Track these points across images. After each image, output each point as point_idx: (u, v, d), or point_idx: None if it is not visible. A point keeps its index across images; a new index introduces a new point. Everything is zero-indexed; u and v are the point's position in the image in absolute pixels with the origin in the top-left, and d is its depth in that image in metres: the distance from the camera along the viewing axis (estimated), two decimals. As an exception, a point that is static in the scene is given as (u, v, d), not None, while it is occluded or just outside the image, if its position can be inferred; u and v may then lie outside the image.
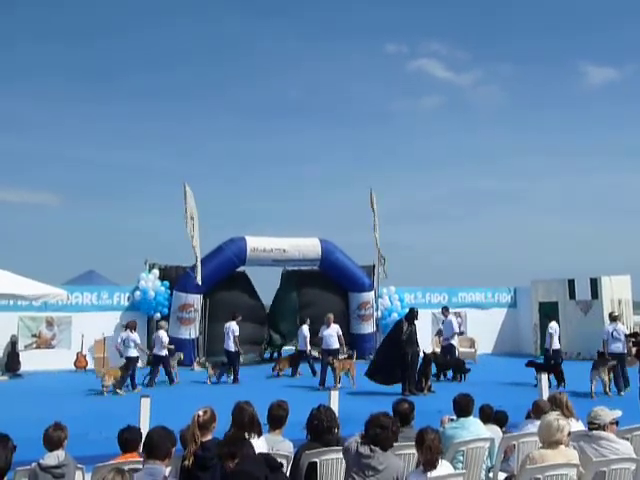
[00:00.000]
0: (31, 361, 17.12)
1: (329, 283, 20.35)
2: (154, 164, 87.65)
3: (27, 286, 9.66)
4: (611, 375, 12.85)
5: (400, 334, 13.49)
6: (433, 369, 14.46)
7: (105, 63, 73.82)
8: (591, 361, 13.67)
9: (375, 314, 20.41)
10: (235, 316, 15.99)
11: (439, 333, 17.39)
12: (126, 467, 3.92)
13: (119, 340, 14.61)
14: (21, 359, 17.13)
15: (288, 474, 4.61)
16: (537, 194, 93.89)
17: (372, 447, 4.32)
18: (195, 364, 17.78)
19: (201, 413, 4.49)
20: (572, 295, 20.56)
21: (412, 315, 13.86)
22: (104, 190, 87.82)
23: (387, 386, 13.08)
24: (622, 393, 12.75)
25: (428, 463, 4.35)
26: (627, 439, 5.17)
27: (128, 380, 14.04)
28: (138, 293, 18.52)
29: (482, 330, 21.31)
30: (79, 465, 4.68)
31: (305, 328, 16.62)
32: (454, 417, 5.76)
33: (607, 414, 5.03)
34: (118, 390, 13.59)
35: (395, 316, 19.28)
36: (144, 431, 4.88)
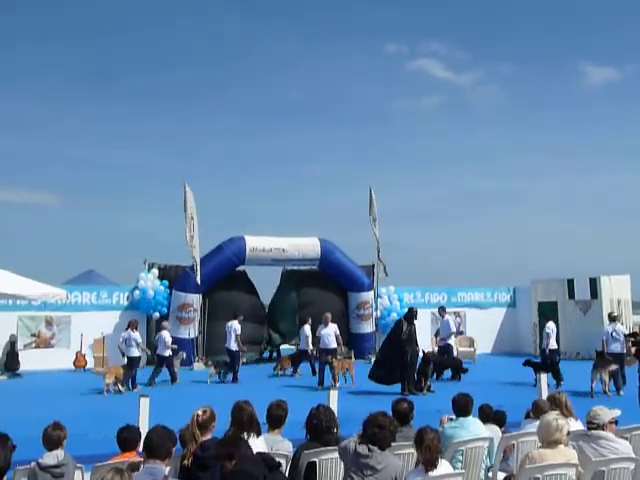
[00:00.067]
0: (30, 361, 17.13)
1: (328, 283, 20.34)
2: (154, 164, 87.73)
3: (26, 286, 9.64)
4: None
5: (400, 334, 13.51)
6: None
7: (105, 63, 73.91)
8: (590, 361, 13.68)
9: (374, 314, 20.42)
10: (237, 315, 16.03)
11: (438, 333, 17.40)
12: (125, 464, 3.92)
13: (120, 339, 14.63)
14: (20, 359, 17.13)
15: (287, 474, 4.61)
16: (537, 194, 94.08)
17: (370, 447, 4.32)
18: (195, 363, 17.80)
19: (200, 413, 4.49)
20: (571, 295, 20.56)
21: (411, 315, 13.87)
22: (104, 190, 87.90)
23: (387, 386, 13.08)
24: (621, 392, 12.77)
25: (428, 463, 4.35)
26: (626, 439, 5.16)
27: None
28: (137, 293, 18.51)
29: (481, 330, 21.34)
30: (78, 464, 4.67)
31: (307, 328, 16.65)
32: (453, 417, 5.76)
33: (606, 413, 5.03)
34: (120, 387, 13.62)
35: (394, 316, 19.28)
36: (143, 430, 4.88)
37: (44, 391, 13.78)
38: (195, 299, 18.51)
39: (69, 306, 17.77)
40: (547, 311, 18.31)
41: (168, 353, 15.00)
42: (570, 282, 20.68)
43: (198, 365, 17.78)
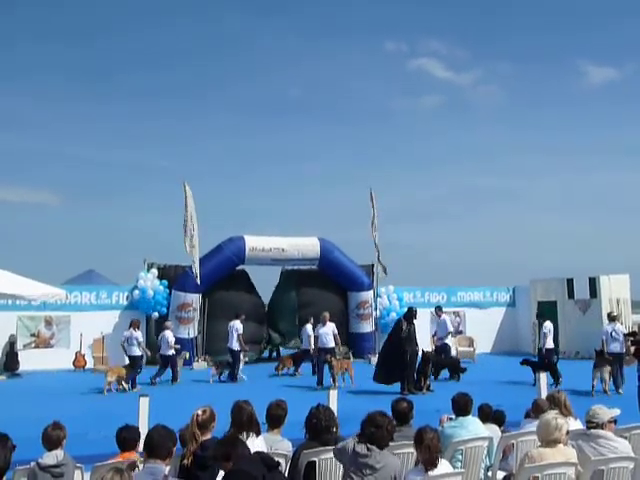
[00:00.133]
0: (30, 360, 17.13)
1: (328, 282, 20.34)
2: (154, 163, 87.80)
3: (26, 286, 9.63)
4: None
5: (399, 333, 13.52)
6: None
7: (105, 62, 73.92)
8: (590, 360, 13.70)
9: (374, 313, 20.41)
10: (239, 315, 16.05)
11: (437, 333, 17.39)
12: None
13: (123, 338, 14.65)
14: (20, 358, 17.13)
15: (287, 473, 4.61)
16: (536, 192, 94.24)
17: (369, 446, 4.32)
18: (195, 363, 17.80)
19: (200, 412, 4.49)
20: (571, 294, 20.57)
21: (411, 314, 13.88)
22: (104, 189, 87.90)
23: (386, 385, 13.08)
24: (620, 391, 12.78)
25: (428, 462, 4.35)
26: (625, 438, 5.16)
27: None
28: (137, 292, 18.51)
29: (481, 329, 21.35)
30: (78, 464, 4.68)
31: (309, 327, 16.66)
32: (453, 416, 5.77)
33: (605, 413, 5.03)
34: (124, 384, 13.67)
35: (394, 315, 19.28)
36: (143, 430, 4.88)
37: (44, 391, 13.78)
38: (195, 299, 18.50)
39: (69, 306, 17.77)
40: (543, 311, 18.30)
41: (171, 352, 15.09)
42: (569, 281, 20.69)
43: (198, 365, 17.78)
